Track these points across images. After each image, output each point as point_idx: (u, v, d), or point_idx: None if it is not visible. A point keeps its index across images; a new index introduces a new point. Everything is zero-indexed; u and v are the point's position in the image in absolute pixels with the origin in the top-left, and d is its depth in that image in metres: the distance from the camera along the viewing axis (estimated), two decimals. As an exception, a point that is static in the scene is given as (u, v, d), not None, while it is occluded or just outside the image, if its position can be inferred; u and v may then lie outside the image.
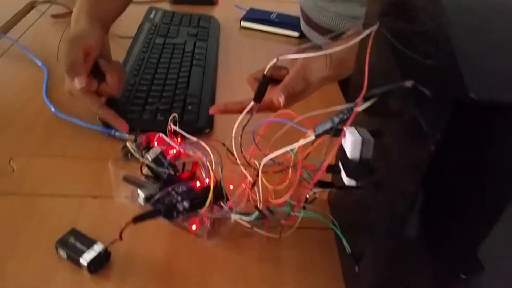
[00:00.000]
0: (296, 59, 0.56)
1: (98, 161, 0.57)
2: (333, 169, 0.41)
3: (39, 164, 0.55)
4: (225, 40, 0.93)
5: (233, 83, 0.78)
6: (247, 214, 0.46)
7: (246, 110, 0.46)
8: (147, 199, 0.42)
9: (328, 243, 0.48)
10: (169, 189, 0.44)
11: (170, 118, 0.58)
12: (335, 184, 0.45)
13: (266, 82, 0.43)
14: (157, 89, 0.69)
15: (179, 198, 0.42)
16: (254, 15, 1.01)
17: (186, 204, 0.41)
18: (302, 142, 0.36)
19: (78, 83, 0.57)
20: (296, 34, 0.98)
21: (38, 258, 0.44)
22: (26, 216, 0.48)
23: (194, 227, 0.46)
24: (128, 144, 0.51)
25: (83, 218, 0.49)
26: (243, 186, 0.47)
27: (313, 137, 0.35)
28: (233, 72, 0.82)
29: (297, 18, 0.98)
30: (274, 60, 0.42)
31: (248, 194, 0.46)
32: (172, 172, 0.46)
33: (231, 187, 0.51)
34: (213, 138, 0.62)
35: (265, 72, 0.43)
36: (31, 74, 0.74)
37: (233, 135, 0.46)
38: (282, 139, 0.54)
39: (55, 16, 0.91)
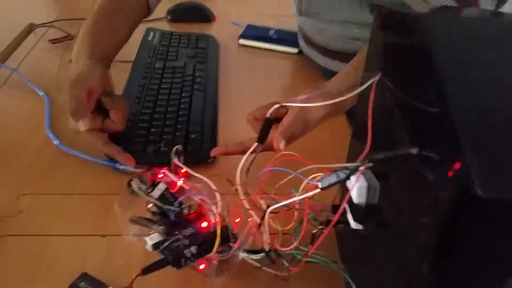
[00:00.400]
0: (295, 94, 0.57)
1: (104, 197, 0.57)
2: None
3: (46, 203, 0.56)
4: (224, 59, 0.94)
5: (234, 105, 0.79)
6: (255, 251, 0.47)
7: (249, 152, 0.46)
8: (155, 246, 0.43)
9: (338, 277, 0.49)
10: (176, 232, 0.45)
11: (173, 151, 0.59)
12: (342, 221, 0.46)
13: (269, 124, 0.44)
14: (159, 117, 0.69)
15: (187, 242, 0.43)
16: (252, 32, 1.02)
17: (193, 249, 0.42)
18: (307, 194, 0.37)
19: (82, 126, 0.58)
20: (295, 50, 0.99)
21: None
22: (36, 259, 0.49)
23: (202, 266, 0.47)
24: (133, 183, 0.51)
25: (92, 258, 0.49)
26: (250, 224, 0.48)
27: (318, 190, 0.36)
28: (234, 92, 0.83)
29: (296, 34, 0.98)
30: (277, 106, 0.43)
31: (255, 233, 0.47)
32: (175, 218, 0.46)
33: (237, 220, 0.52)
34: (217, 172, 0.63)
35: (267, 115, 0.44)
36: (33, 104, 0.74)
37: (237, 179, 0.47)
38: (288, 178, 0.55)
39: (52, 41, 0.91)
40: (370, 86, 0.37)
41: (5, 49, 0.87)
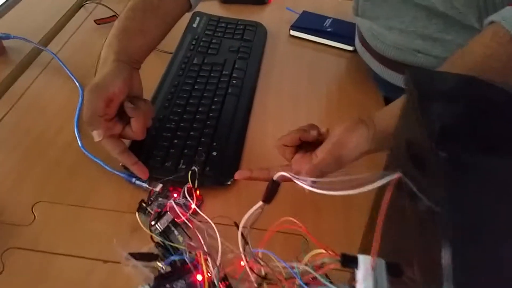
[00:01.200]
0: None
1: (115, 214, 0.57)
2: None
3: (59, 214, 0.56)
4: (270, 51, 0.88)
5: (270, 111, 0.74)
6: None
7: (254, 208, 0.42)
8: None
9: None
10: (167, 285, 0.43)
11: (189, 173, 0.56)
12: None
13: (275, 187, 0.39)
14: (185, 126, 0.66)
15: (175, 300, 0.41)
16: (305, 23, 0.94)
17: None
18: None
19: (96, 136, 0.56)
20: (350, 48, 0.90)
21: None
22: (38, 278, 0.50)
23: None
24: (137, 216, 0.50)
25: (90, 285, 0.49)
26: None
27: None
28: (272, 94, 0.77)
29: (354, 26, 0.88)
30: (281, 174, 0.38)
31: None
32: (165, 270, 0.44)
33: (242, 263, 0.49)
34: (234, 197, 0.60)
35: (274, 178, 0.39)
36: (69, 94, 0.74)
37: (239, 235, 0.43)
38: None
39: (98, 21, 0.90)
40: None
41: (50, 31, 0.87)
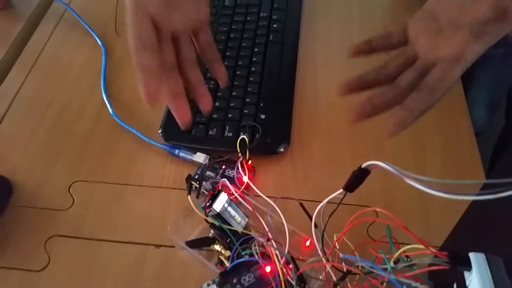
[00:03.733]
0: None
1: (161, 192, 0.52)
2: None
3: (99, 194, 0.52)
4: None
5: (317, 61, 0.66)
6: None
7: (332, 196, 0.37)
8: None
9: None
10: (234, 281, 0.39)
11: (238, 141, 0.51)
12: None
13: (363, 176, 0.33)
14: (227, 85, 0.59)
15: (246, 299, 0.37)
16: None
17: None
18: None
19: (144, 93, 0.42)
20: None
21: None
22: (87, 268, 0.46)
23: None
24: (189, 200, 0.45)
25: (144, 273, 0.46)
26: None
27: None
28: (319, 38, 0.69)
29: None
30: (375, 163, 0.32)
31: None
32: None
33: (308, 243, 0.45)
34: (291, 167, 0.54)
35: (363, 166, 0.33)
36: (88, 52, 0.67)
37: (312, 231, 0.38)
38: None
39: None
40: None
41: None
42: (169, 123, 0.56)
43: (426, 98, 0.40)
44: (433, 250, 0.33)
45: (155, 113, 0.58)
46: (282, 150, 0.55)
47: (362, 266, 0.35)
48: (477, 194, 0.25)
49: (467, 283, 0.31)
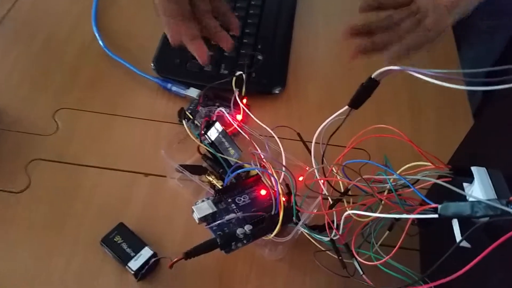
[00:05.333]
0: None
1: (151, 124, 0.51)
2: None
3: (85, 122, 0.51)
4: None
5: (317, 5, 0.65)
6: (318, 228, 0.41)
7: (336, 114, 0.37)
8: (202, 220, 0.36)
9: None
10: (228, 200, 0.38)
11: (234, 78, 0.50)
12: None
13: (371, 87, 0.33)
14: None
15: (240, 216, 0.37)
16: None
17: (247, 229, 0.35)
18: (418, 216, 0.28)
19: None
20: None
21: (83, 251, 0.41)
22: (71, 192, 0.45)
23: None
24: (185, 125, 0.44)
25: (132, 201, 0.45)
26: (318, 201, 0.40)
27: (435, 215, 0.27)
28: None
29: None
30: (389, 68, 0.31)
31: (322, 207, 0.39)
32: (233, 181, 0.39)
33: (301, 179, 0.44)
34: (285, 109, 0.54)
35: (373, 76, 0.32)
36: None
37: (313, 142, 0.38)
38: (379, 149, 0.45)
39: None
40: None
41: None
42: (162, 56, 0.55)
43: (420, 35, 0.45)
44: (438, 163, 0.33)
45: (147, 46, 0.56)
46: (277, 91, 0.54)
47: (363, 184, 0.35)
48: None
49: (467, 197, 0.31)
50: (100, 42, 0.57)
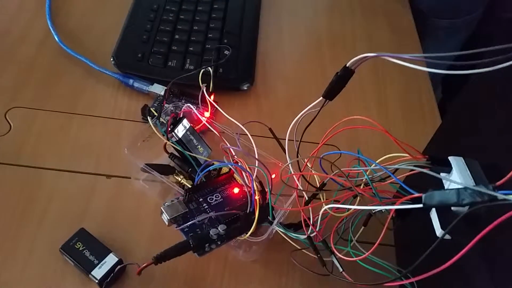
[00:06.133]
0: None
1: (112, 123, 0.48)
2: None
3: (40, 122, 0.47)
4: None
5: (282, 7, 0.64)
6: (294, 227, 0.39)
7: (310, 106, 0.35)
8: (172, 221, 0.34)
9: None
10: (200, 200, 0.36)
11: (200, 73, 0.48)
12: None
13: (346, 77, 0.32)
14: (186, 18, 0.57)
15: (213, 216, 0.35)
16: None
17: (221, 230, 0.34)
18: (401, 206, 0.27)
19: None
20: None
21: (40, 259, 0.38)
22: (28, 197, 0.42)
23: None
24: (149, 121, 0.42)
25: (94, 205, 0.42)
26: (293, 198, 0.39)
27: (420, 205, 0.26)
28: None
29: None
30: (364, 55, 0.31)
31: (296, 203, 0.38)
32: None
33: (273, 176, 0.43)
34: (254, 103, 0.52)
35: (347, 64, 0.32)
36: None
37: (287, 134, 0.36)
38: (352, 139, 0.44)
39: None
40: None
41: None
42: (122, 50, 0.52)
43: None
44: (416, 154, 0.32)
45: (107, 42, 0.54)
46: (245, 88, 0.53)
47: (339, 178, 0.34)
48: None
49: (445, 185, 0.31)
50: (56, 37, 0.53)
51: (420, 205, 0.26)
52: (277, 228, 0.38)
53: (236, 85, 0.53)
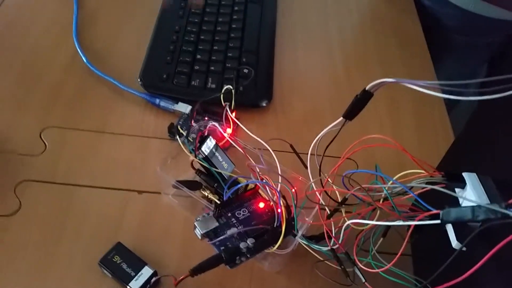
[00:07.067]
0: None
1: (140, 140, 0.51)
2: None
3: (73, 141, 0.50)
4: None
5: (296, 20, 0.68)
6: (315, 238, 0.42)
7: (331, 126, 0.38)
8: (205, 236, 0.37)
9: None
10: (228, 214, 0.39)
11: (223, 91, 0.51)
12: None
13: (365, 99, 0.35)
14: (207, 39, 0.60)
15: (241, 230, 0.38)
16: None
17: (250, 243, 0.36)
18: (420, 222, 0.30)
19: None
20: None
21: (79, 273, 0.41)
22: (63, 214, 0.45)
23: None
24: (178, 140, 0.45)
25: (128, 220, 0.45)
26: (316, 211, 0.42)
27: (438, 221, 0.29)
28: (297, 3, 0.71)
29: None
30: (383, 80, 0.33)
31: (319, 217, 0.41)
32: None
33: (293, 190, 0.46)
34: (273, 120, 0.55)
35: (367, 88, 0.34)
36: (59, 3, 0.65)
37: (308, 154, 0.39)
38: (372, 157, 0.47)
39: None
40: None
41: None
42: (148, 71, 0.55)
43: None
44: (431, 170, 0.35)
45: (132, 62, 0.57)
46: (264, 104, 0.56)
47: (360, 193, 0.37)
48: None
49: (460, 201, 0.33)
50: (83, 58, 0.57)
51: (438, 221, 0.29)
52: (300, 240, 0.41)
53: (256, 102, 0.56)
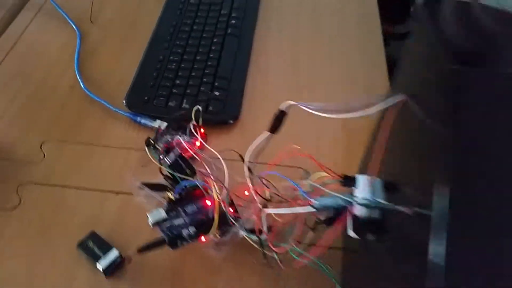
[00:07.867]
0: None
1: (123, 152, 0.62)
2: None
3: (69, 152, 0.62)
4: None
5: (270, 52, 0.77)
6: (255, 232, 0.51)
7: (259, 139, 0.48)
8: (155, 224, 0.47)
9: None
10: (179, 208, 0.49)
11: (193, 111, 0.61)
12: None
13: (282, 117, 0.44)
14: (187, 67, 0.71)
15: (187, 221, 0.47)
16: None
17: (191, 231, 0.46)
18: (301, 209, 0.39)
19: None
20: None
21: (63, 255, 0.51)
22: (54, 210, 0.55)
23: (203, 239, 0.52)
24: (147, 151, 0.55)
25: (105, 215, 0.55)
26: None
27: (311, 209, 0.38)
28: (273, 33, 0.81)
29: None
30: (291, 103, 0.43)
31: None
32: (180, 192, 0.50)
33: (246, 193, 0.55)
34: (239, 135, 0.65)
35: (281, 108, 0.44)
36: (65, 37, 0.78)
37: (245, 165, 0.49)
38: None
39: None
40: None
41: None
42: (133, 94, 0.66)
43: None
44: (333, 174, 0.43)
45: (124, 87, 0.68)
46: (231, 121, 0.66)
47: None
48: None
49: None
50: (81, 84, 0.68)
51: (314, 210, 0.37)
52: (242, 232, 0.50)
53: (224, 120, 0.65)
